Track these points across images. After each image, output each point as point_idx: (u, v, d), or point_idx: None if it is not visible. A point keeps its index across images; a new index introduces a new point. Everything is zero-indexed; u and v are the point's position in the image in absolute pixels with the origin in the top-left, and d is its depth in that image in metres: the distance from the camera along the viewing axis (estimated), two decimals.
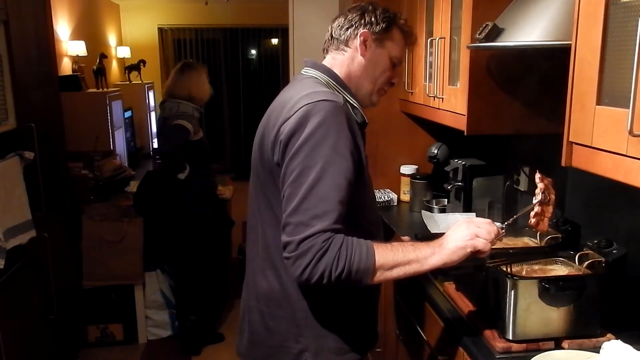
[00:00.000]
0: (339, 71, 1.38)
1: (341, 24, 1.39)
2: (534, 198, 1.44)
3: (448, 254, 1.22)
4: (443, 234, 1.29)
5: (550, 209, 1.45)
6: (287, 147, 1.19)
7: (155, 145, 4.90)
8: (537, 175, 1.46)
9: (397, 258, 1.18)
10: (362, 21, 1.36)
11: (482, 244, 1.24)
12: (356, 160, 1.22)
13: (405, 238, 1.93)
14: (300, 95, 1.24)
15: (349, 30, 1.37)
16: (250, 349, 1.42)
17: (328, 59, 1.42)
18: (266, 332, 1.37)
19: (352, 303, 1.36)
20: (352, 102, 1.36)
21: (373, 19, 1.36)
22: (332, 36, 1.41)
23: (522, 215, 1.46)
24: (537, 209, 1.43)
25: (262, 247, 1.37)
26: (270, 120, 1.29)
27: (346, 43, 1.38)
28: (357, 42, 1.36)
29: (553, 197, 1.45)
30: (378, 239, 1.29)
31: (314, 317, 1.31)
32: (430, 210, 2.51)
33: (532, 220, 1.44)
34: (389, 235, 2.09)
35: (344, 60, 1.38)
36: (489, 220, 1.30)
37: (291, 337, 1.33)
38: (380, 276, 1.18)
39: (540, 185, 1.44)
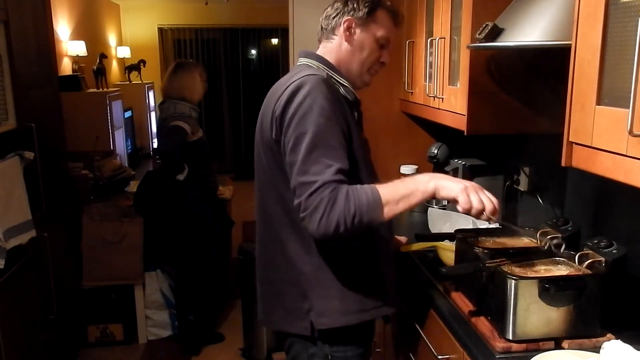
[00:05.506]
0: (330, 57, 1.49)
1: (328, 14, 1.49)
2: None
3: (436, 188, 1.31)
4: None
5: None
6: (282, 121, 1.31)
7: (155, 146, 4.92)
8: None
9: (400, 191, 1.28)
10: (345, 9, 1.46)
11: (465, 203, 1.30)
12: (343, 125, 1.31)
13: (402, 239, 1.94)
14: (292, 79, 1.35)
15: (335, 19, 1.47)
16: (267, 313, 1.55)
17: (320, 48, 1.53)
18: (277, 296, 1.48)
19: (354, 265, 1.44)
20: (341, 81, 1.46)
21: (355, 5, 1.45)
22: (322, 27, 1.51)
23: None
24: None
25: (265, 221, 1.49)
26: (267, 106, 1.42)
27: (333, 31, 1.49)
28: (342, 29, 1.46)
29: None
30: None
31: (317, 280, 1.41)
32: (431, 210, 2.50)
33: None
34: None
35: (333, 47, 1.49)
36: (494, 201, 1.35)
37: (299, 298, 1.43)
38: (389, 212, 1.27)
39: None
